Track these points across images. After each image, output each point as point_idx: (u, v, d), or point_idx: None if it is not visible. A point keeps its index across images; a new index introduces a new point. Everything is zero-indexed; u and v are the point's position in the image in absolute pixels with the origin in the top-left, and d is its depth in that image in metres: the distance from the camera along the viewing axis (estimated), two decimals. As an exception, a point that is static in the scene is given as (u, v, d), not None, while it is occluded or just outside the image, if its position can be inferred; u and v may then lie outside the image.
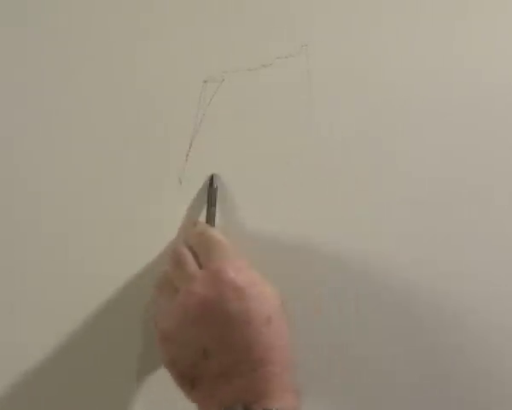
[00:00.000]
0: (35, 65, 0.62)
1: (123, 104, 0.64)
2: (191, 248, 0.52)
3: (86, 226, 0.62)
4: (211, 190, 0.58)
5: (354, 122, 0.66)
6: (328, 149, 0.66)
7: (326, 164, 0.65)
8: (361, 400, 0.67)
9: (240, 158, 0.65)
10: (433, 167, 0.68)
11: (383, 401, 0.67)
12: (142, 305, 0.62)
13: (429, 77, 0.67)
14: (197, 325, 0.46)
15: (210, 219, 0.57)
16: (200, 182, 0.64)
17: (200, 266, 0.50)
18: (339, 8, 0.65)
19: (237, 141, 0.65)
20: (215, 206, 0.57)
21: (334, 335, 0.65)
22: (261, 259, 0.56)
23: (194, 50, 0.63)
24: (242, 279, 0.47)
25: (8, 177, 0.62)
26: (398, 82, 0.67)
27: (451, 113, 0.68)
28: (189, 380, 0.47)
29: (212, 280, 0.47)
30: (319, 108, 0.67)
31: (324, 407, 0.66)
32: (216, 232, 0.53)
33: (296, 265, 0.63)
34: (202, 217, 0.60)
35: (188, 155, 0.65)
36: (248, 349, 0.45)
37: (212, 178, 0.58)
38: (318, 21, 0.65)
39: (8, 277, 0.62)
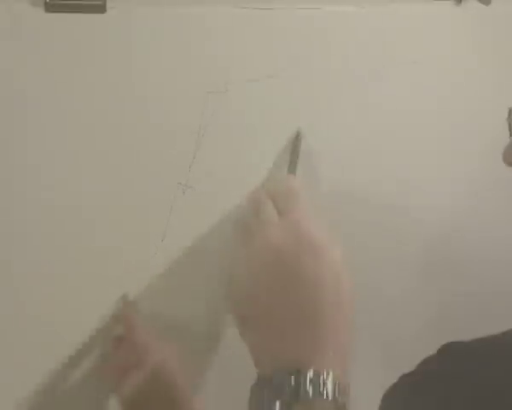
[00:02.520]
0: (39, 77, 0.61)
1: (127, 115, 0.64)
2: (271, 197, 0.51)
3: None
4: (296, 142, 0.57)
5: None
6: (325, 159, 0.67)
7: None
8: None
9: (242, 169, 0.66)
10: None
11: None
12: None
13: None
14: (267, 270, 0.45)
15: (292, 170, 0.56)
16: (202, 190, 0.65)
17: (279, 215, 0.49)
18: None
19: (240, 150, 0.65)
20: (298, 157, 0.56)
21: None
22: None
23: (197, 62, 0.64)
24: (320, 238, 0.45)
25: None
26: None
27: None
28: (248, 323, 0.46)
29: (290, 229, 0.46)
30: (318, 116, 0.68)
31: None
32: (297, 183, 0.52)
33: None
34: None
35: (191, 166, 0.65)
36: (310, 308, 0.44)
37: (298, 133, 0.57)
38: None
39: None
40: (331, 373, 0.41)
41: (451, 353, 0.47)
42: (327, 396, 0.41)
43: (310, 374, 0.41)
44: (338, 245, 0.46)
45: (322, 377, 0.41)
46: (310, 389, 0.41)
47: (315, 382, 0.41)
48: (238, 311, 0.47)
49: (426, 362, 0.49)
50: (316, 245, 0.45)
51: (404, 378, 0.50)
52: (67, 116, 0.62)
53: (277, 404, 0.41)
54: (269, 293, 0.44)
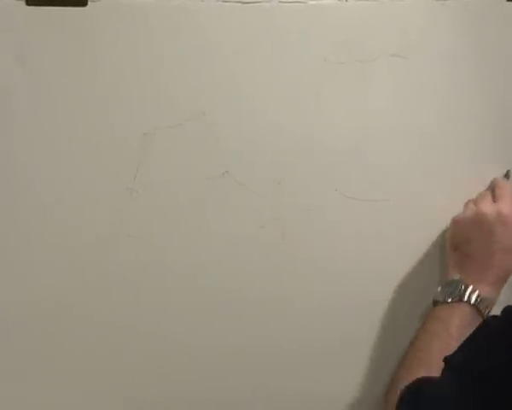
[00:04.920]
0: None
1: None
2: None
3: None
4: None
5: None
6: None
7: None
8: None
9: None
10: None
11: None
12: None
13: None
14: (478, 229, 0.75)
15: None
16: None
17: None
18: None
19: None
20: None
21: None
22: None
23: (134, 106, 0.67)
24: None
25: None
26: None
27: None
28: (454, 248, 0.77)
29: (496, 210, 0.74)
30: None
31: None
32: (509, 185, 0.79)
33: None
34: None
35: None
36: (489, 255, 0.73)
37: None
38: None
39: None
40: (480, 291, 0.73)
41: None
42: (470, 302, 0.72)
43: (469, 288, 0.72)
44: None
45: (476, 292, 0.72)
46: (466, 296, 0.72)
47: (471, 293, 0.72)
48: (452, 242, 0.78)
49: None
50: (508, 219, 0.73)
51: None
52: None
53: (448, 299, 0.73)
54: (472, 238, 0.75)
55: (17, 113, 0.63)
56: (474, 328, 0.63)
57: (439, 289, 0.75)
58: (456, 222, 0.78)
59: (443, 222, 0.80)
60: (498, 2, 0.76)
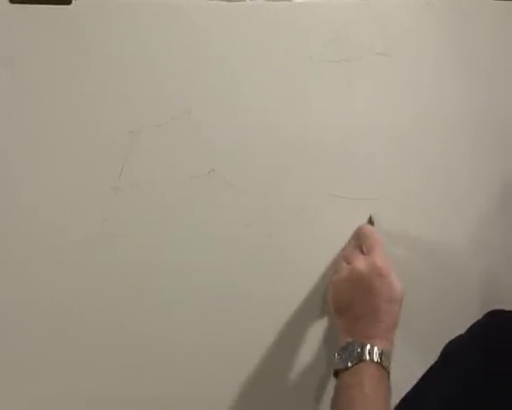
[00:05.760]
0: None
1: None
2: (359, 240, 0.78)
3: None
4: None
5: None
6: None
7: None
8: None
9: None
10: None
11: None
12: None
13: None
14: (355, 286, 0.73)
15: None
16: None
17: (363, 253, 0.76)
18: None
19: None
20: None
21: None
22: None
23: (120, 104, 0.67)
24: (386, 268, 0.73)
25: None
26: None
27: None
28: (340, 314, 0.75)
29: (369, 261, 0.73)
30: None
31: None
32: (376, 232, 0.78)
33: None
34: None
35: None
36: (374, 310, 0.72)
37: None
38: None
39: None
40: (378, 347, 0.71)
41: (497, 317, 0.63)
42: (373, 360, 0.70)
43: (367, 346, 0.70)
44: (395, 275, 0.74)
45: (374, 349, 0.70)
46: (366, 355, 0.70)
47: (370, 351, 0.70)
48: (336, 307, 0.76)
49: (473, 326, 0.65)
50: (383, 271, 0.73)
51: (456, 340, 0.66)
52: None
53: (348, 363, 0.71)
54: (354, 299, 0.74)
55: (2, 112, 0.63)
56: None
57: (336, 357, 0.72)
58: (334, 285, 0.76)
59: (432, 221, 0.81)
60: (483, 0, 0.77)
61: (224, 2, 0.67)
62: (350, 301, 0.74)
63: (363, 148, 0.76)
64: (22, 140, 0.64)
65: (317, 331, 0.79)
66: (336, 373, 0.72)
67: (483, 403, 0.59)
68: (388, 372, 0.70)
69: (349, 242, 0.78)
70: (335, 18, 0.71)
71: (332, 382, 0.78)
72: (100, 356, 0.71)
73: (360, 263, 0.73)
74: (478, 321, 0.65)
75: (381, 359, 0.70)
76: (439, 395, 0.63)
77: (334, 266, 0.77)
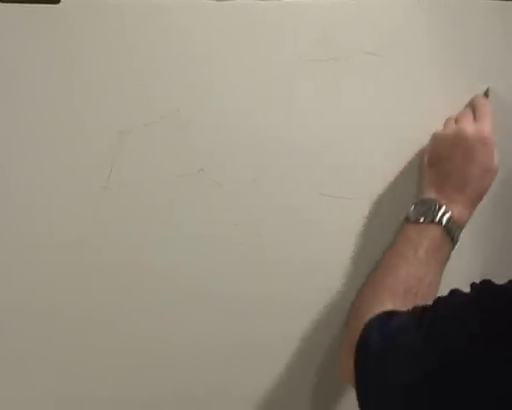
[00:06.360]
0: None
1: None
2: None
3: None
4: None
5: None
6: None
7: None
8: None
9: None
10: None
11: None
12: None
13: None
14: (456, 146, 0.73)
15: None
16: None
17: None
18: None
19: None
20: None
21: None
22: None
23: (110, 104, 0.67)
24: (491, 141, 0.73)
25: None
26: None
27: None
28: (432, 166, 0.76)
29: (477, 130, 0.73)
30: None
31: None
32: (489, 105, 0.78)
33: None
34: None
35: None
36: (467, 174, 0.73)
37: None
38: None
39: None
40: (453, 213, 0.72)
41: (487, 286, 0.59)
42: (441, 224, 0.71)
43: (442, 209, 0.72)
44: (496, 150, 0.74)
45: (448, 213, 0.72)
46: (439, 217, 0.71)
47: (442, 213, 0.72)
48: (430, 158, 0.77)
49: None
50: (488, 141, 0.73)
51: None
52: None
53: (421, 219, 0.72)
54: (451, 157, 0.74)
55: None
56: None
57: (412, 207, 0.74)
58: (435, 138, 0.77)
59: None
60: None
61: (213, 2, 0.67)
62: (446, 158, 0.74)
63: (352, 147, 0.75)
64: (11, 140, 0.64)
65: (307, 331, 0.78)
66: (406, 220, 0.73)
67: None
68: (454, 243, 0.72)
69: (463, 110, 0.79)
70: (324, 17, 0.71)
71: (323, 381, 0.78)
72: (88, 356, 0.71)
73: (469, 126, 0.73)
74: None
75: (451, 226, 0.71)
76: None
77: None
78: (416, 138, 0.78)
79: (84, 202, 0.68)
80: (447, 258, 0.72)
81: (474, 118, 0.75)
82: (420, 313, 0.60)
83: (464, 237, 0.73)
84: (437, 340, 0.56)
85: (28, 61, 0.63)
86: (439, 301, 0.60)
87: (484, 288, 0.58)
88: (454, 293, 0.60)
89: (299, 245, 0.76)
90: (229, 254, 0.73)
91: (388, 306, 0.66)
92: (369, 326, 0.64)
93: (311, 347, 0.79)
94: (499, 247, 0.87)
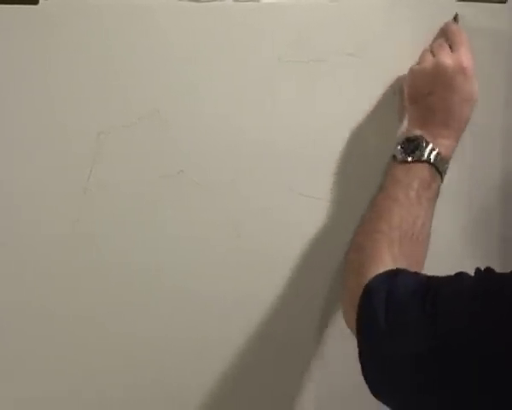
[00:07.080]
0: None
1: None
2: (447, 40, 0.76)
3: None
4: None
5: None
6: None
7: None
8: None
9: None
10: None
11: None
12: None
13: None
14: (436, 77, 0.72)
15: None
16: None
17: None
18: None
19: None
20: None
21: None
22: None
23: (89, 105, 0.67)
24: (471, 67, 0.72)
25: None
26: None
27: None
28: (413, 102, 0.75)
29: (456, 60, 0.72)
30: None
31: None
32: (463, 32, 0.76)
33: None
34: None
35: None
36: (450, 106, 0.72)
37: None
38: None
39: None
40: (440, 149, 0.72)
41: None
42: (430, 161, 0.71)
43: (430, 146, 0.71)
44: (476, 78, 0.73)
45: (436, 150, 0.71)
46: (426, 155, 0.71)
47: (430, 150, 0.71)
48: (411, 94, 0.75)
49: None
50: (468, 71, 0.72)
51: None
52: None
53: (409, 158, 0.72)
54: (432, 90, 0.73)
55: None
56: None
57: (399, 146, 0.73)
58: (414, 73, 0.75)
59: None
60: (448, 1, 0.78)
61: (193, 3, 0.68)
62: (428, 93, 0.72)
63: (331, 148, 0.76)
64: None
65: (288, 331, 0.79)
66: (393, 159, 0.73)
67: None
68: (442, 177, 0.72)
69: (435, 38, 0.77)
70: (303, 19, 0.71)
71: (309, 381, 0.78)
72: (73, 355, 0.71)
73: (446, 57, 0.72)
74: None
75: (439, 162, 0.71)
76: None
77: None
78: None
79: (64, 204, 0.67)
80: (437, 194, 0.72)
81: (450, 48, 0.74)
82: (424, 283, 0.60)
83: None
84: (441, 318, 0.56)
85: (6, 61, 0.63)
86: (445, 279, 0.60)
87: (488, 273, 0.59)
88: (460, 275, 0.60)
89: (278, 246, 0.76)
90: (209, 255, 0.73)
91: (388, 261, 0.67)
92: (373, 291, 0.64)
93: (293, 345, 0.80)
94: (499, 247, 0.88)
